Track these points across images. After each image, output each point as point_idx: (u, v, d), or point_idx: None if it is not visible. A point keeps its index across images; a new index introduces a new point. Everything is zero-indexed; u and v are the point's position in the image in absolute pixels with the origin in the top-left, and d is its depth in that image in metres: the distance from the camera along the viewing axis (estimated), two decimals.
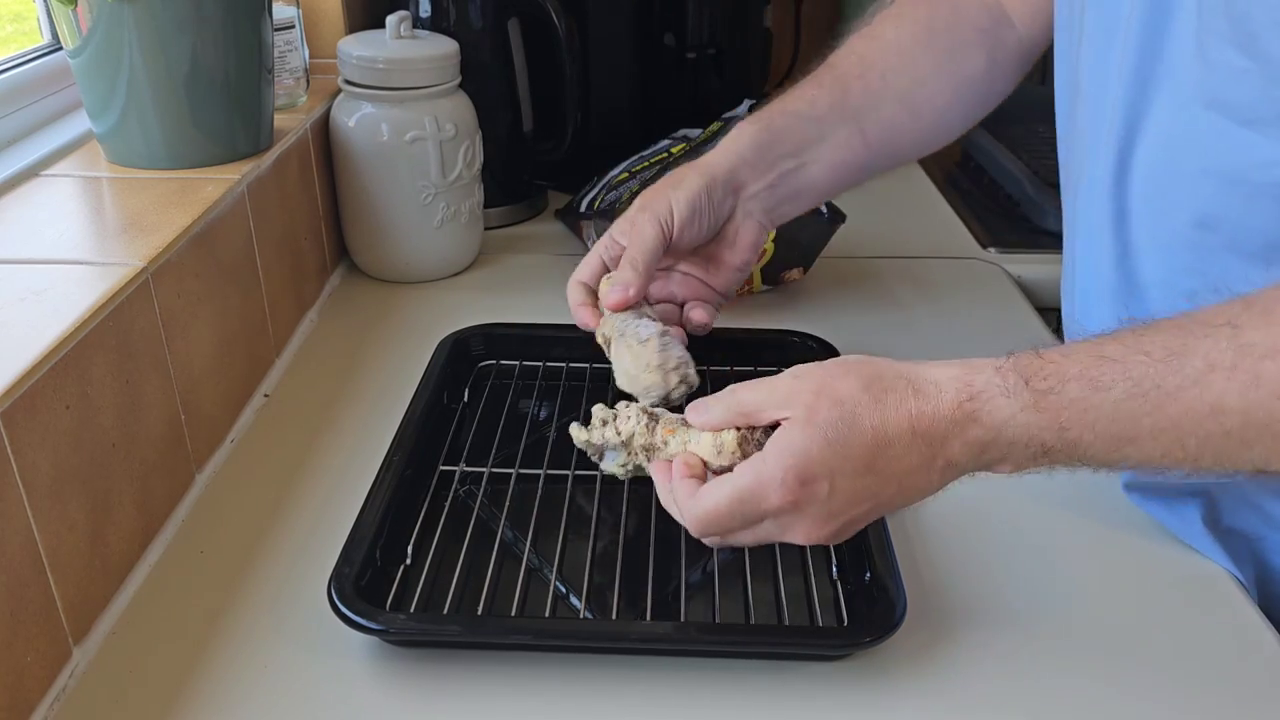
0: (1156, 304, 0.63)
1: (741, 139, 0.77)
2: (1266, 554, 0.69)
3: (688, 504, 0.56)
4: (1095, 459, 0.51)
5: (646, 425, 0.59)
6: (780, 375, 0.56)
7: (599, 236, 1.00)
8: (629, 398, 0.67)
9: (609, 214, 1.00)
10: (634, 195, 1.00)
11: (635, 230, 0.72)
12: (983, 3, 0.81)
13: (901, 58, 0.80)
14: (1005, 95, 0.83)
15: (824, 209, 1.03)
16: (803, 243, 1.01)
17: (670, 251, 0.74)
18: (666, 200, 0.73)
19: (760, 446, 0.55)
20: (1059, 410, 0.50)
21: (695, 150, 1.02)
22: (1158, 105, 0.61)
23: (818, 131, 0.78)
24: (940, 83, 0.81)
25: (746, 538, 0.56)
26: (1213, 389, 0.47)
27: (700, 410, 0.58)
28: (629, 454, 0.61)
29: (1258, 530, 0.68)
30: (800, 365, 0.57)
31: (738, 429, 0.56)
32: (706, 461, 0.57)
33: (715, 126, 1.04)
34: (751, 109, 1.03)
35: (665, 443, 0.59)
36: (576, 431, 0.63)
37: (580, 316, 0.74)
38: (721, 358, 0.86)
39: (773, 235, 0.98)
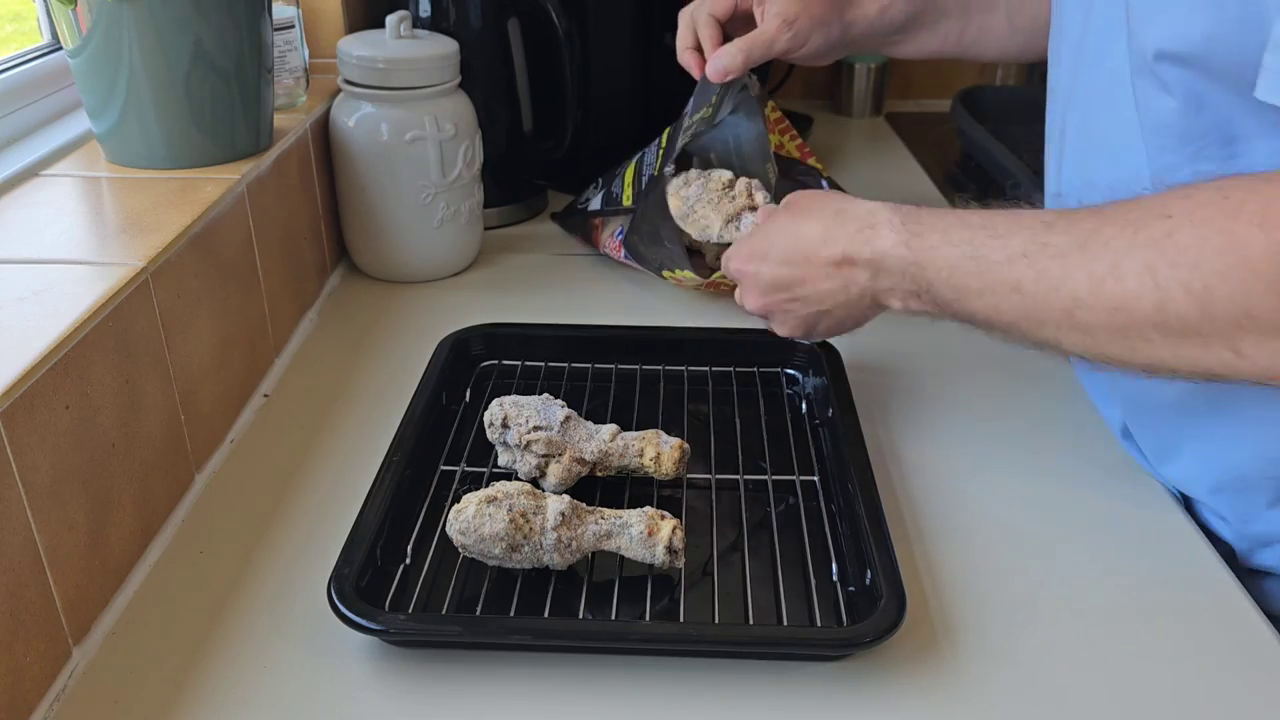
0: None
1: None
2: None
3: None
4: (951, 305, 0.64)
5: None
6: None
7: (626, 229, 1.00)
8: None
9: (653, 187, 0.98)
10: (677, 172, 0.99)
11: (761, 27, 0.87)
12: None
13: None
14: None
15: (826, 187, 1.03)
16: None
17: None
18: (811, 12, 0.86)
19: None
20: (921, 251, 0.64)
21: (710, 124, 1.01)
22: None
23: (934, 17, 0.89)
24: (1042, 2, 0.86)
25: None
26: (1015, 270, 0.59)
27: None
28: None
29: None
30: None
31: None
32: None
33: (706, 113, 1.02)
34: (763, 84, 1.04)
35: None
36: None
37: (688, 60, 0.90)
38: (722, 359, 0.86)
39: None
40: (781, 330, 0.75)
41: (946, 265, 0.62)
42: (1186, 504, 0.74)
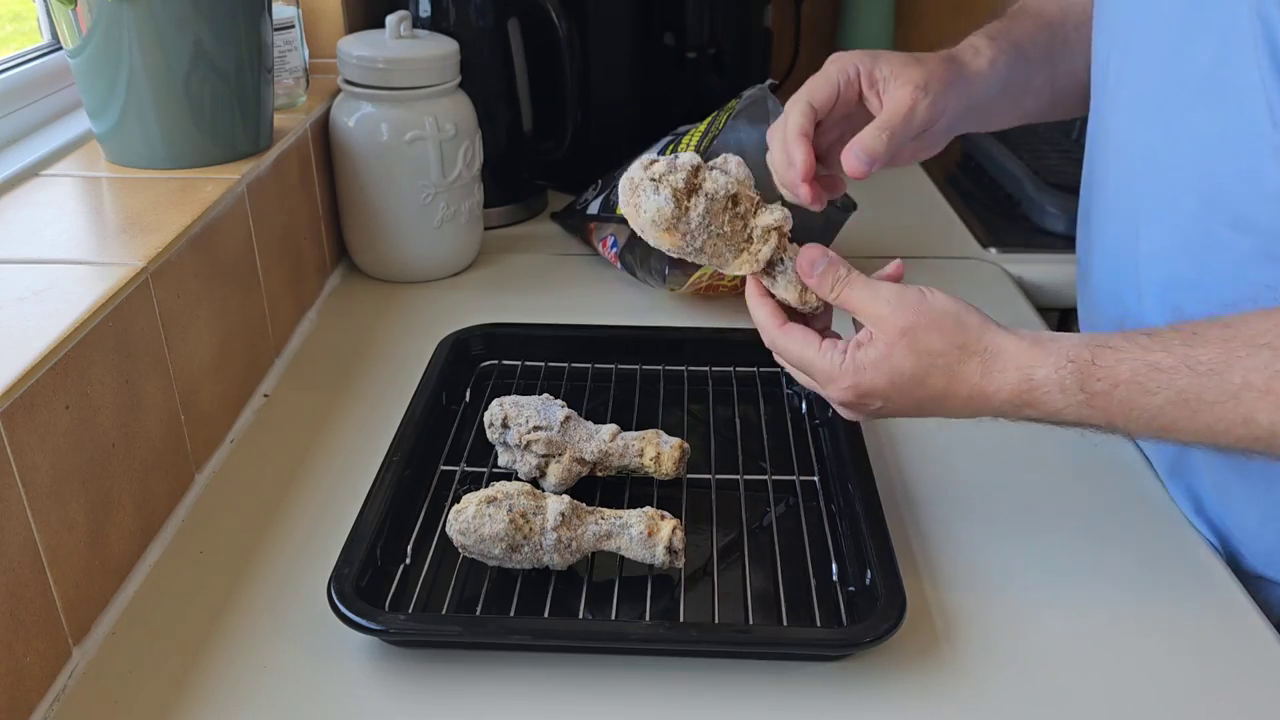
0: None
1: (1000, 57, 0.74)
2: None
3: (775, 332, 0.64)
4: (1134, 437, 0.60)
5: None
6: (887, 289, 0.60)
7: (619, 240, 1.00)
8: None
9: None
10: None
11: (892, 100, 0.68)
12: None
13: (1088, 9, 0.76)
14: None
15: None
16: (815, 231, 1.02)
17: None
18: (942, 74, 0.69)
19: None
20: (1108, 407, 0.56)
21: (711, 132, 0.99)
22: None
23: (1026, 69, 0.76)
24: None
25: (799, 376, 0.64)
26: (1244, 405, 0.53)
27: (815, 266, 0.62)
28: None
29: None
30: (903, 289, 0.60)
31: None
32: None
33: (733, 104, 1.01)
34: (774, 89, 1.02)
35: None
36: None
37: (802, 189, 0.67)
38: (722, 359, 0.86)
39: None
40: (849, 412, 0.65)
41: (1145, 414, 0.56)
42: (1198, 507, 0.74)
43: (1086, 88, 0.77)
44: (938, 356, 0.59)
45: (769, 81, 1.01)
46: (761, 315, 0.65)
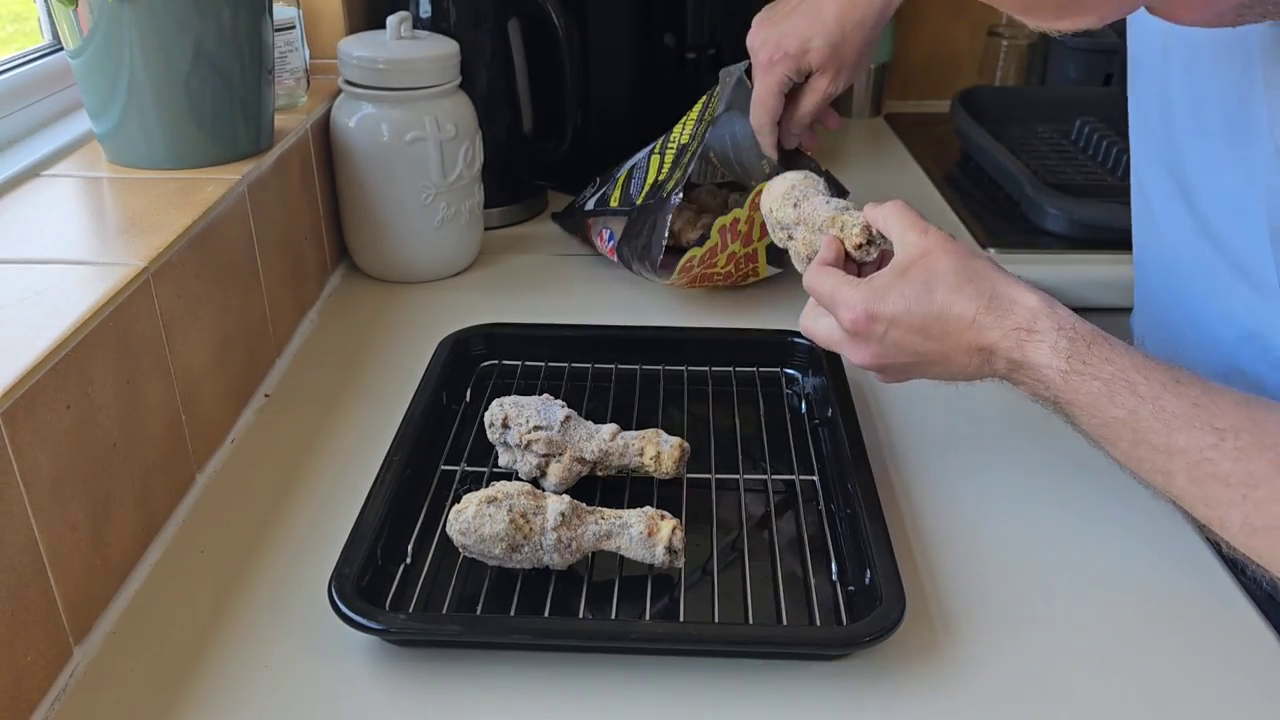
0: None
1: None
2: None
3: (813, 269, 0.70)
4: (1083, 433, 0.62)
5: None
6: (924, 223, 0.66)
7: (615, 233, 1.00)
8: None
9: (659, 208, 0.97)
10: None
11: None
12: None
13: None
14: None
15: (823, 179, 1.03)
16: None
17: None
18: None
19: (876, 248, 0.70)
20: (1074, 391, 0.59)
21: (704, 123, 1.01)
22: None
23: None
24: None
25: (820, 331, 0.70)
26: (1170, 464, 0.57)
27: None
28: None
29: None
30: (936, 232, 0.66)
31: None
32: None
33: (715, 90, 1.02)
34: (748, 72, 1.02)
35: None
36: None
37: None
38: (722, 359, 0.86)
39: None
40: (879, 378, 0.70)
41: (1097, 418, 0.59)
42: None
43: None
44: (948, 275, 0.62)
45: (745, 63, 1.00)
46: (814, 262, 0.71)
